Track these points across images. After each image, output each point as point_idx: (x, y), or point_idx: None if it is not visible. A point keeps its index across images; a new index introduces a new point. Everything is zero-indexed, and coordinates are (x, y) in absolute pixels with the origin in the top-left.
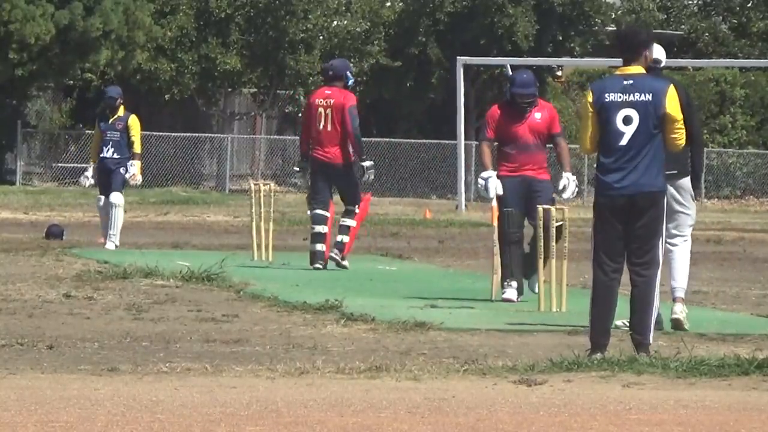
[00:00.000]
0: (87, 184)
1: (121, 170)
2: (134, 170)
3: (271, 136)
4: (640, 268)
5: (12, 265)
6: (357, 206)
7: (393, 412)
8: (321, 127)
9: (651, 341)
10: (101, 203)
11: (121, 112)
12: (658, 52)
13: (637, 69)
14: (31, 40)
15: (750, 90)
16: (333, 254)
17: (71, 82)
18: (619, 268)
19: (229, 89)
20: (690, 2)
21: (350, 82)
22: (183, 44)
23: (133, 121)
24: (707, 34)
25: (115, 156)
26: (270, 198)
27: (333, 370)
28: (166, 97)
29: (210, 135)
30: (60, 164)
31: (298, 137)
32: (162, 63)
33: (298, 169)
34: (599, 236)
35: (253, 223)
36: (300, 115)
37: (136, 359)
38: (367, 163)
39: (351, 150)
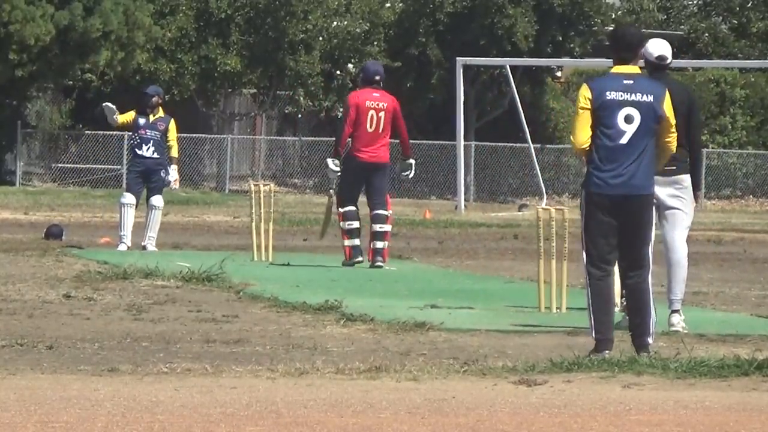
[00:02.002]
0: (115, 116)
1: (162, 173)
2: (176, 175)
3: (271, 137)
4: (632, 270)
5: (12, 266)
6: (387, 209)
7: (393, 412)
8: (372, 129)
9: (652, 341)
10: (126, 200)
11: (161, 112)
12: (663, 48)
13: (634, 69)
14: (31, 40)
15: (750, 90)
16: (379, 263)
17: (71, 82)
18: (611, 263)
19: (229, 90)
20: (690, 2)
21: None
22: (183, 45)
23: (173, 125)
24: (707, 34)
25: (155, 156)
26: (270, 198)
27: (333, 370)
28: (166, 97)
29: (210, 135)
30: (60, 165)
31: (297, 138)
32: (162, 64)
33: (337, 169)
34: (591, 234)
35: (253, 224)
36: (299, 116)
37: (136, 360)
38: (413, 161)
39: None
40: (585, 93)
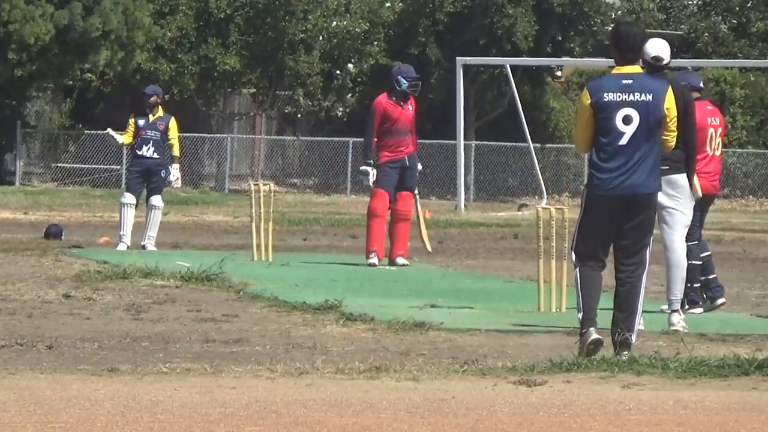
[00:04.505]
0: (119, 140)
1: (162, 173)
2: (177, 174)
3: (271, 137)
4: (629, 267)
5: (12, 265)
6: None
7: (392, 412)
8: None
9: (634, 340)
10: (126, 200)
11: (161, 112)
12: (660, 49)
13: (635, 68)
14: (30, 40)
15: (750, 90)
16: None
17: (71, 82)
18: (603, 264)
19: (229, 89)
20: (690, 2)
21: None
22: (183, 44)
23: (173, 124)
24: (707, 34)
25: (155, 156)
26: (270, 198)
27: (332, 370)
28: (166, 97)
29: (210, 135)
30: (59, 164)
31: (296, 138)
32: (162, 63)
33: None
34: (585, 230)
35: (253, 223)
36: (299, 116)
37: (135, 359)
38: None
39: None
40: (584, 98)
